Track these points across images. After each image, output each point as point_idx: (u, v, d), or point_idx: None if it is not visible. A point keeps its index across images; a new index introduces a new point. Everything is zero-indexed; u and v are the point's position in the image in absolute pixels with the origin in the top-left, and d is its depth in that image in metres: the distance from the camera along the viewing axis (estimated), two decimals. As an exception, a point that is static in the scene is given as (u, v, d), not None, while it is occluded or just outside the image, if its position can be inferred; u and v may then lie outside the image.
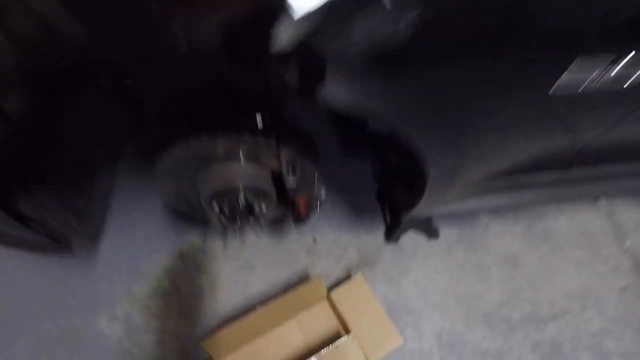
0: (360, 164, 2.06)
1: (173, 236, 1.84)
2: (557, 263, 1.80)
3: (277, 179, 1.29)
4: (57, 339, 1.59)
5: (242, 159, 1.16)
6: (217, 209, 1.21)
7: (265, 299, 1.68)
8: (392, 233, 1.80)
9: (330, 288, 1.65)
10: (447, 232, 1.87)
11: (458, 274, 1.77)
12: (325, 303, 1.60)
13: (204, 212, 1.29)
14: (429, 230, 1.83)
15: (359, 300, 1.58)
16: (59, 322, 1.63)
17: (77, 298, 1.68)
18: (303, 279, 1.74)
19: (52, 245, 1.22)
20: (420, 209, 1.31)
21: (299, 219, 1.33)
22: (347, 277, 1.74)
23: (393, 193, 1.55)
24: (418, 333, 1.63)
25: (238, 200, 1.21)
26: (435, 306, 1.69)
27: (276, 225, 1.89)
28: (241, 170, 1.19)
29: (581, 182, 1.37)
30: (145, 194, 1.94)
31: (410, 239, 1.85)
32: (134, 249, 1.80)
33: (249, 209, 1.25)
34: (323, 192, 1.25)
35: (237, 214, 1.26)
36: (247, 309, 1.66)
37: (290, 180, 1.12)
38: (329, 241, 1.85)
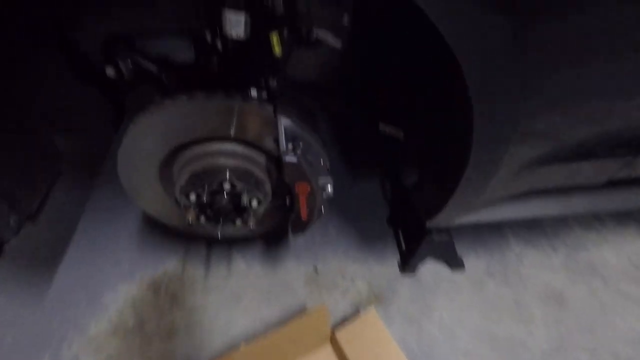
0: (368, 187, 1.83)
1: (147, 263, 1.54)
2: (612, 302, 1.48)
3: (273, 167, 1.05)
4: (-22, 389, 1.22)
5: (231, 132, 0.93)
6: (193, 200, 0.96)
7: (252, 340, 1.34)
8: (408, 261, 1.51)
9: (335, 326, 1.31)
10: (473, 263, 1.57)
11: (492, 314, 1.44)
12: (329, 346, 1.26)
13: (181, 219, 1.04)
14: (452, 259, 1.53)
15: (372, 342, 1.24)
16: (-14, 366, 1.27)
17: (15, 334, 1.33)
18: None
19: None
20: (449, 213, 1.05)
21: (299, 223, 1.06)
22: (355, 314, 1.41)
23: (414, 198, 1.29)
24: (448, 389, 1.26)
25: (222, 187, 0.96)
26: (468, 355, 1.34)
27: (269, 246, 1.59)
28: (228, 148, 0.96)
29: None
30: (119, 213, 1.68)
31: (430, 270, 1.55)
32: (98, 277, 1.49)
33: (235, 203, 0.99)
34: (330, 186, 1.00)
35: (219, 209, 0.99)
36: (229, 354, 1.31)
37: (289, 157, 0.88)
38: (332, 271, 1.54)
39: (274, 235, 1.62)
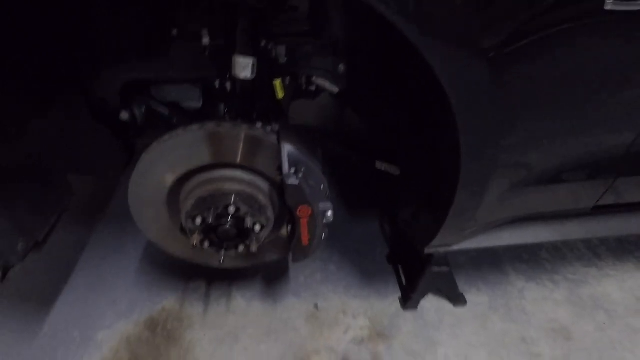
0: (367, 226, 1.86)
1: (145, 300, 1.52)
2: (621, 337, 1.44)
3: (275, 194, 1.10)
4: None
5: (237, 159, 0.99)
6: (199, 223, 0.99)
7: (251, 380, 1.28)
8: (410, 296, 1.49)
9: (337, 362, 1.27)
10: (475, 299, 1.56)
11: (499, 350, 1.39)
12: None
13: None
14: (454, 293, 1.52)
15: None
16: (-31, 409, 1.20)
17: (3, 376, 1.28)
18: (300, 354, 1.36)
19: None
20: (444, 238, 1.08)
21: (300, 249, 1.08)
22: (358, 352, 1.37)
23: (411, 228, 1.32)
24: None
25: (227, 211, 0.99)
26: (476, 393, 1.28)
27: (269, 284, 1.58)
28: (233, 174, 1.01)
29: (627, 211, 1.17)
30: (119, 253, 1.68)
31: (433, 305, 1.53)
32: (94, 315, 1.46)
33: (239, 227, 1.02)
34: (330, 212, 1.04)
35: (223, 234, 1.02)
36: (225, 393, 1.25)
37: (292, 179, 0.93)
38: (334, 308, 1.52)
39: (275, 270, 1.62)
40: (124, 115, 1.21)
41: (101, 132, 1.32)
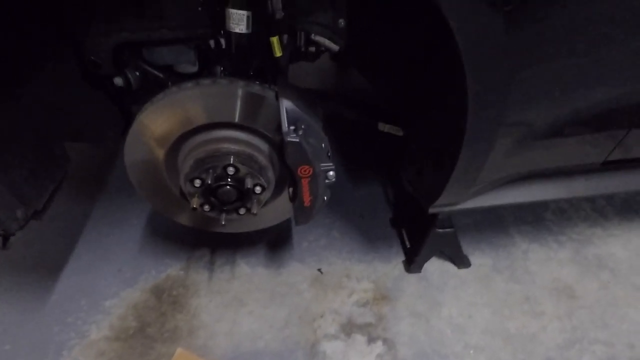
0: (370, 190, 1.84)
1: (149, 269, 1.53)
2: (624, 294, 1.44)
3: (275, 156, 1.08)
4: (-27, 397, 1.18)
5: (235, 117, 0.96)
6: (198, 185, 0.97)
7: (257, 342, 1.31)
8: (414, 259, 1.49)
9: (345, 326, 1.29)
10: (479, 261, 1.56)
11: (502, 309, 1.40)
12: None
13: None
14: (458, 256, 1.52)
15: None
16: (-17, 374, 1.23)
17: (15, 342, 1.30)
18: (306, 317, 1.38)
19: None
20: (449, 196, 1.06)
21: (302, 211, 1.06)
22: (362, 314, 1.38)
23: (416, 188, 1.29)
24: (462, 386, 1.21)
25: (226, 172, 0.97)
26: (479, 350, 1.29)
27: (273, 251, 1.58)
28: (231, 134, 0.99)
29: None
30: (122, 223, 1.68)
31: (437, 268, 1.53)
32: (100, 284, 1.47)
33: (239, 190, 1.01)
34: (332, 172, 1.02)
35: (223, 196, 1.00)
36: (234, 355, 1.27)
37: (292, 137, 0.90)
38: (338, 273, 1.52)
39: (278, 237, 1.62)
40: (118, 81, 1.17)
41: (97, 99, 1.29)
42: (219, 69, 1.19)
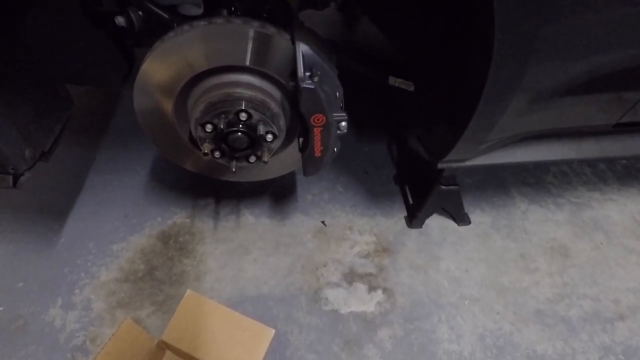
0: (374, 146, 1.84)
1: (155, 215, 1.55)
2: (616, 255, 1.50)
3: (287, 104, 1.06)
4: (-9, 329, 1.23)
5: (246, 60, 0.93)
6: (209, 130, 0.96)
7: (262, 287, 1.36)
8: (415, 215, 1.52)
9: (347, 275, 1.33)
10: (478, 219, 1.59)
11: (497, 264, 1.46)
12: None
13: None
14: (458, 214, 1.55)
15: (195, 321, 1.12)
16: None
17: (27, 280, 1.34)
18: (309, 266, 1.42)
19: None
20: (461, 150, 1.06)
21: (312, 161, 1.06)
22: (364, 265, 1.43)
23: (424, 142, 1.29)
24: (455, 332, 1.28)
25: (238, 117, 0.96)
26: (474, 301, 1.36)
27: (277, 202, 1.61)
28: (244, 79, 0.96)
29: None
30: (127, 169, 1.68)
31: (437, 224, 1.57)
32: (107, 228, 1.50)
33: (251, 136, 1.00)
34: (344, 123, 1.01)
35: (234, 143, 1.00)
36: (239, 299, 1.33)
37: (308, 83, 0.88)
38: (340, 225, 1.56)
39: (282, 190, 1.64)
40: (120, 20, 1.11)
41: (99, 40, 1.24)
42: (225, 12, 1.14)
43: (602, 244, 1.53)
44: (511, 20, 0.73)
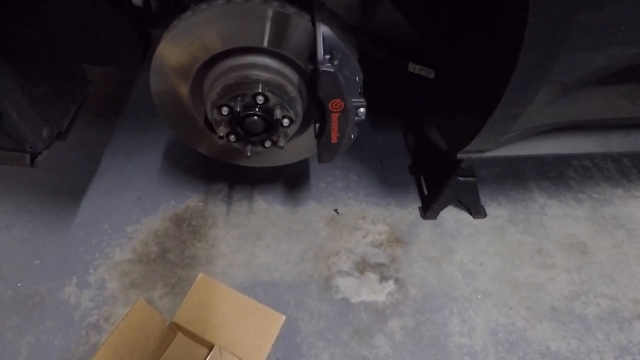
0: (390, 135, 1.81)
1: (169, 198, 1.55)
2: (637, 254, 1.46)
3: (304, 88, 1.04)
4: (9, 304, 1.26)
5: (264, 42, 0.91)
6: (225, 113, 0.94)
7: (273, 274, 1.36)
8: (430, 206, 1.50)
9: (359, 265, 1.32)
10: (495, 212, 1.56)
11: (513, 259, 1.43)
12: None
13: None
14: (474, 206, 1.52)
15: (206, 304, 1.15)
16: (17, 284, 1.30)
17: (43, 258, 1.37)
18: (320, 254, 1.41)
19: (8, 148, 0.95)
20: (483, 140, 1.03)
21: (328, 147, 1.04)
22: (376, 254, 1.42)
23: (443, 131, 1.26)
24: (467, 326, 1.26)
25: (255, 100, 0.94)
26: (487, 295, 1.34)
27: (290, 189, 1.60)
28: (262, 61, 0.94)
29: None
30: (141, 152, 1.68)
31: (452, 216, 1.54)
32: (122, 210, 1.51)
33: (267, 120, 0.98)
34: (363, 109, 0.98)
35: (250, 125, 0.98)
36: (251, 284, 1.33)
37: (327, 67, 0.86)
38: (354, 214, 1.54)
39: (296, 177, 1.62)
40: (137, 0, 1.09)
41: (116, 21, 1.22)
42: None
43: (623, 242, 1.49)
44: (547, 2, 0.69)
